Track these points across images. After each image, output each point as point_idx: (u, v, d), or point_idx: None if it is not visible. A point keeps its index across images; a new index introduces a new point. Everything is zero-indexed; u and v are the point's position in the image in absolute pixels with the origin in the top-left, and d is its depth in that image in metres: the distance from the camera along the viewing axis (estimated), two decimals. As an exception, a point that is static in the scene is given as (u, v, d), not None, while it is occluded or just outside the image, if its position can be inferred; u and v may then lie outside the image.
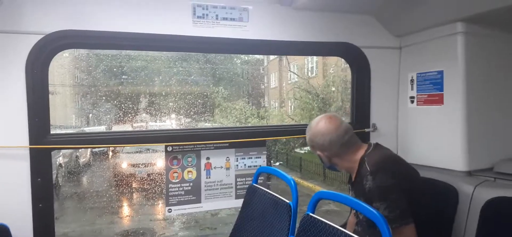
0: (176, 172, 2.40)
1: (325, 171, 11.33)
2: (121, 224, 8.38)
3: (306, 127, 2.00)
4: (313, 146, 1.96)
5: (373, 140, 2.46)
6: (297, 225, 1.65)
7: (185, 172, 2.42)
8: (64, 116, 11.40)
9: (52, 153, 2.12)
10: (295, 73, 15.51)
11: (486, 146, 2.26)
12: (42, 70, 2.03)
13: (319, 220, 1.50)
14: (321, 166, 9.99)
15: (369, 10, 2.51)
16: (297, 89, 14.46)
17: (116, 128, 10.85)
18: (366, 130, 2.62)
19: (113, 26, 2.11)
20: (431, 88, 2.40)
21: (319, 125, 1.91)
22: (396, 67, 2.65)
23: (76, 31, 2.05)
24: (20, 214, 2.02)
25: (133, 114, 10.93)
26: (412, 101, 2.56)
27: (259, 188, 2.10)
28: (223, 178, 2.50)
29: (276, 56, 14.84)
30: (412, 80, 2.55)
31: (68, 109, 11.53)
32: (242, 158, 2.53)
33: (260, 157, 2.57)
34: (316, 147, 1.94)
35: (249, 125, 12.31)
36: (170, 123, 11.25)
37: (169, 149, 2.37)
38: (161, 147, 2.41)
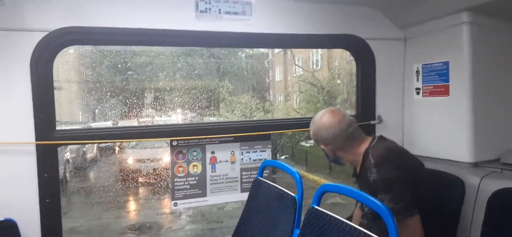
0: (182, 166, 2.41)
1: (331, 164, 11.30)
2: (128, 218, 8.44)
3: (311, 120, 2.00)
4: (317, 140, 1.96)
5: (379, 132, 2.45)
6: (303, 218, 1.65)
7: (191, 166, 2.43)
8: (70, 113, 11.47)
9: (59, 148, 2.14)
10: (300, 67, 15.43)
11: (493, 137, 2.24)
12: (47, 67, 2.04)
13: (324, 212, 1.50)
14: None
15: (373, 1, 2.48)
16: (302, 82, 14.39)
17: (122, 124, 10.91)
18: (372, 122, 2.61)
19: (116, 22, 2.11)
20: (437, 80, 2.38)
21: (323, 119, 1.91)
22: (401, 58, 2.63)
23: (79, 27, 2.05)
24: (27, 210, 2.04)
25: (138, 109, 10.97)
26: (418, 93, 2.54)
27: (264, 181, 2.11)
28: (229, 171, 2.50)
29: (280, 49, 14.76)
30: (417, 72, 2.53)
31: (74, 106, 11.60)
32: (247, 152, 2.53)
33: (265, 151, 2.57)
34: (320, 141, 1.94)
35: (254, 118, 12.31)
36: (176, 117, 11.28)
37: (175, 143, 2.38)
38: (166, 141, 2.42)
